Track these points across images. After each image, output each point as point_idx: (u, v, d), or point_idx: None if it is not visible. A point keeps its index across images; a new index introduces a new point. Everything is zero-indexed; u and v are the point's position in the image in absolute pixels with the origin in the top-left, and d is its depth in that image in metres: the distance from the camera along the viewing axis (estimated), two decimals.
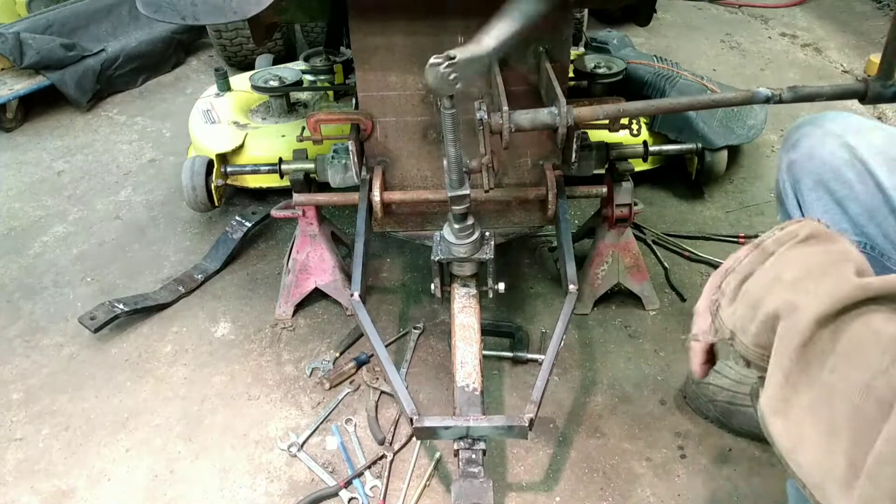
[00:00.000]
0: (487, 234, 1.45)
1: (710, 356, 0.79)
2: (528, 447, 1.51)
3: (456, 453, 1.24)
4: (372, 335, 1.37)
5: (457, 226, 1.38)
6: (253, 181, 2.21)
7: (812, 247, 0.65)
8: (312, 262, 1.83)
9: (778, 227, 0.70)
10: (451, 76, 1.09)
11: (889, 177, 0.94)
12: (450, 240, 1.40)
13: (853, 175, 0.96)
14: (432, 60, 1.09)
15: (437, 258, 1.42)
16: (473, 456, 1.23)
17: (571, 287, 1.45)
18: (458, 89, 1.12)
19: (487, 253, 1.42)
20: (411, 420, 1.22)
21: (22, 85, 2.86)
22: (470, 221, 1.39)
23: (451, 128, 1.22)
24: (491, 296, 1.50)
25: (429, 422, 1.22)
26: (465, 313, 1.45)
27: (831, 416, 0.55)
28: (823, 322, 0.58)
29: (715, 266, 1.98)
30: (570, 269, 1.50)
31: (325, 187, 1.80)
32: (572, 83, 2.15)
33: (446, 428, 1.23)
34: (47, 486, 1.48)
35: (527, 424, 1.21)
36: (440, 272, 1.47)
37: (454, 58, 1.09)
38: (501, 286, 1.49)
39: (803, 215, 1.03)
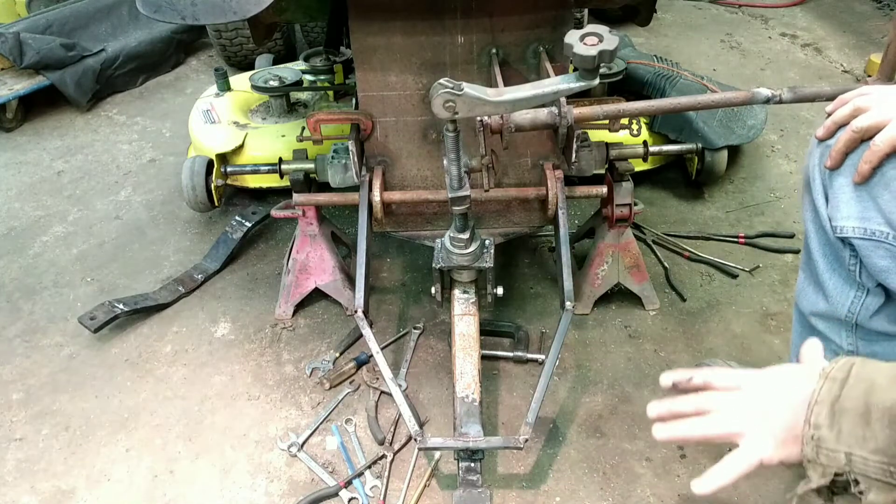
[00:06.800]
0: (488, 242, 1.45)
1: None
2: (529, 447, 1.50)
3: (456, 460, 1.34)
4: (378, 355, 1.42)
5: (458, 235, 1.39)
6: (253, 181, 2.21)
7: (873, 363, 0.74)
8: (312, 262, 1.83)
9: (826, 367, 0.77)
10: (448, 104, 1.10)
11: None
12: (451, 249, 1.41)
13: (887, 164, 0.95)
14: (441, 81, 1.09)
15: (438, 266, 1.43)
16: (472, 465, 1.33)
17: (568, 304, 1.47)
18: (457, 118, 1.13)
19: (487, 261, 1.43)
20: (415, 439, 1.32)
21: (22, 85, 2.86)
22: (471, 232, 1.40)
23: (453, 147, 1.23)
24: (490, 300, 1.50)
25: (431, 443, 1.34)
26: (465, 322, 1.46)
27: None
28: None
29: (715, 266, 1.99)
30: (568, 284, 1.50)
31: (325, 187, 1.80)
32: None
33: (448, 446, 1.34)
34: (47, 486, 1.48)
35: (521, 446, 1.31)
36: (441, 278, 1.48)
37: (461, 91, 1.08)
38: (500, 290, 1.49)
39: (827, 202, 1.03)
